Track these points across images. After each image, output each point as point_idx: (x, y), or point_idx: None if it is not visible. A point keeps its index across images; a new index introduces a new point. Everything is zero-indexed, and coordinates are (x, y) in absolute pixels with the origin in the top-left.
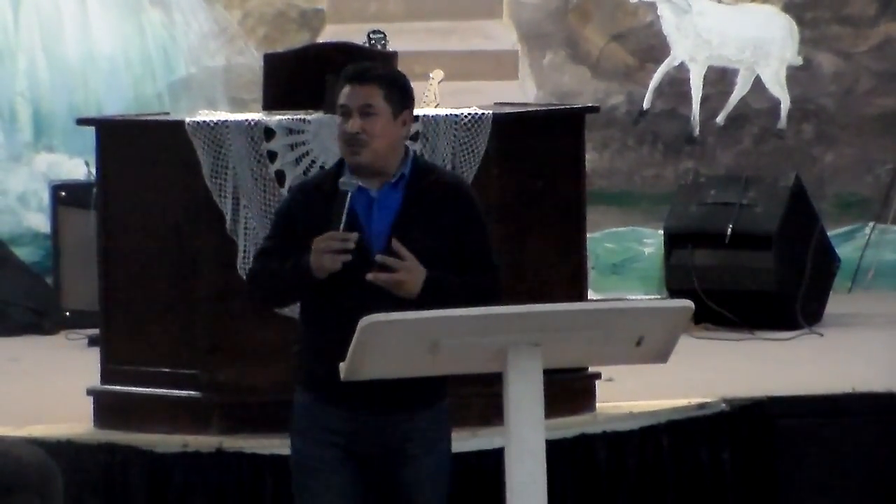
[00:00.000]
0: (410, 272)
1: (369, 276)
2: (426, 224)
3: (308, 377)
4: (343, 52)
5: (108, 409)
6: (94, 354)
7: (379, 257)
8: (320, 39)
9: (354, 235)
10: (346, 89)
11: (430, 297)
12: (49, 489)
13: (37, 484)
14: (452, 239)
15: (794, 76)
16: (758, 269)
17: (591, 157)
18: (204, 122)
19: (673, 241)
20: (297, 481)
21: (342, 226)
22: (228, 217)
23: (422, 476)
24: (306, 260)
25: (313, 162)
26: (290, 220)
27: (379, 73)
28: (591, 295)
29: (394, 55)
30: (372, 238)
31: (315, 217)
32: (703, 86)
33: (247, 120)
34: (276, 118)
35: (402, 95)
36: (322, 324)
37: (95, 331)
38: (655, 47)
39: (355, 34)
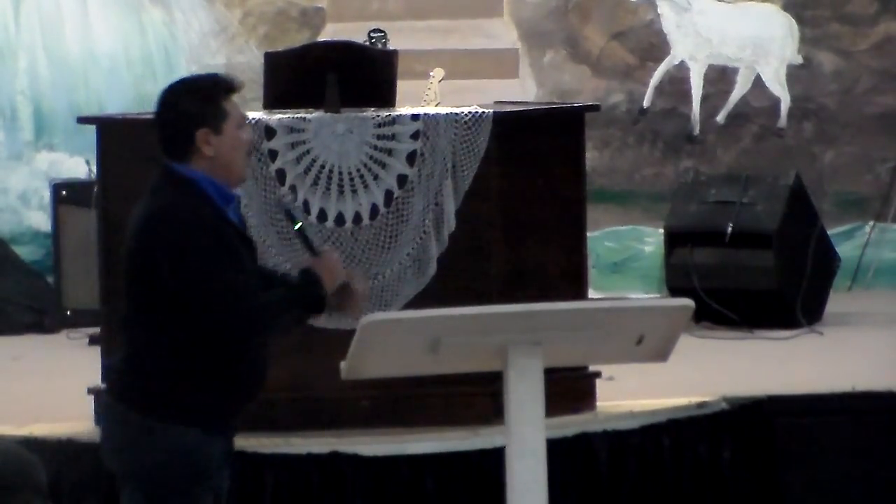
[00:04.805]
0: None
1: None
2: None
3: (203, 412)
4: (344, 51)
5: None
6: (95, 353)
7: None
8: (321, 38)
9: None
10: (237, 101)
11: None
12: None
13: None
14: None
15: (795, 75)
16: (758, 267)
17: (591, 156)
18: None
19: (673, 240)
20: None
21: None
22: None
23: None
24: (316, 287)
25: (314, 161)
26: (231, 247)
27: None
28: (591, 294)
29: (394, 54)
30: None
31: (236, 243)
32: (704, 84)
33: (247, 118)
34: (276, 117)
35: None
36: (213, 350)
37: (96, 329)
38: (655, 46)
39: (356, 33)
